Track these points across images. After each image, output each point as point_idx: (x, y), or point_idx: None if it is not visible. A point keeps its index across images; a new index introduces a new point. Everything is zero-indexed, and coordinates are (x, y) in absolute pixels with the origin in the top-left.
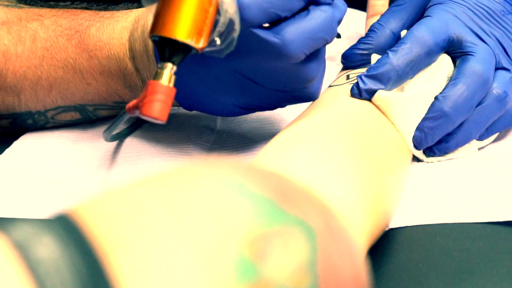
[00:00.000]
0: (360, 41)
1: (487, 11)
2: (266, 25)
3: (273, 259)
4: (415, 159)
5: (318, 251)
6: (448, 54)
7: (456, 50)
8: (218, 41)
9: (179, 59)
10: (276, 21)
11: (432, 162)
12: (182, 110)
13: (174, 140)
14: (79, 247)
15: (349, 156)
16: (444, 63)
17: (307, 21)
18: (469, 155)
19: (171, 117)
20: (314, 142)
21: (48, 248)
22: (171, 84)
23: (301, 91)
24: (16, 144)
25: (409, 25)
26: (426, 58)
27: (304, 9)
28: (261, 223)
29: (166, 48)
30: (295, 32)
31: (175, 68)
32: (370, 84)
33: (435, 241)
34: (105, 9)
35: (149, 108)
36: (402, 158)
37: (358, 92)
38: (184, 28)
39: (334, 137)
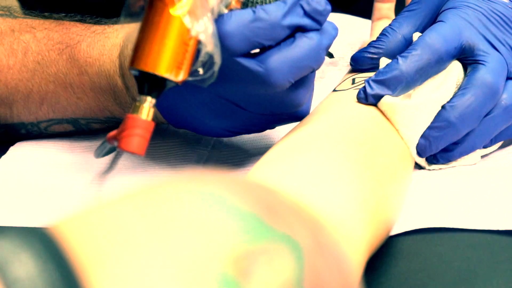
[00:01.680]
0: (371, 44)
1: (501, 18)
2: (256, 50)
3: (257, 277)
4: (417, 166)
5: (305, 268)
6: (460, 60)
7: (468, 58)
8: (201, 71)
9: (158, 92)
10: (262, 49)
11: (434, 169)
12: None
13: (172, 146)
14: (57, 265)
15: (350, 165)
16: (454, 70)
17: (291, 49)
18: (471, 163)
19: (168, 124)
20: (314, 150)
21: (25, 266)
22: (150, 118)
23: (289, 114)
24: (12, 151)
25: (421, 31)
26: (436, 66)
27: (291, 36)
28: (245, 239)
29: (145, 81)
30: (279, 61)
31: (154, 101)
32: (378, 90)
33: (435, 250)
34: (97, 22)
35: (127, 143)
36: (404, 167)
37: (365, 97)
38: (163, 62)
39: (336, 144)
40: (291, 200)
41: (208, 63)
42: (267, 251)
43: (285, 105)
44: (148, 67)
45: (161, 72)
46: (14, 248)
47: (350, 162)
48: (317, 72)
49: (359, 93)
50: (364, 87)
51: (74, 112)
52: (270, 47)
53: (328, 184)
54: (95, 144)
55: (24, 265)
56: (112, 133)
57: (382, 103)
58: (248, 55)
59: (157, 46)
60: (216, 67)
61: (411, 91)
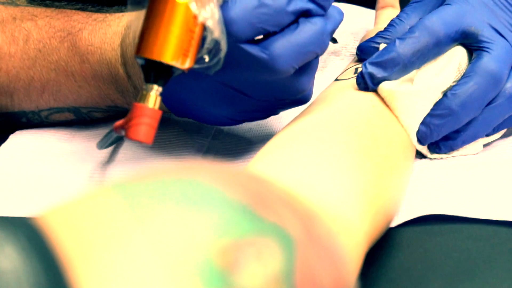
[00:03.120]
0: (378, 34)
1: (510, 3)
2: (260, 36)
3: (245, 269)
4: (418, 155)
5: (296, 260)
6: (465, 46)
7: (472, 44)
8: (206, 58)
9: (164, 80)
10: (265, 35)
11: (435, 158)
12: None
13: (172, 137)
14: (41, 258)
15: (350, 155)
16: (456, 55)
17: (295, 35)
18: (473, 152)
19: (170, 113)
20: (315, 140)
21: (9, 259)
22: (157, 107)
23: (293, 99)
24: (11, 139)
25: None
26: (434, 49)
27: (294, 22)
28: (233, 231)
29: (151, 70)
30: (283, 47)
31: (160, 89)
32: (374, 71)
33: (435, 242)
34: (99, 10)
35: (135, 132)
36: (406, 157)
37: (362, 81)
38: (169, 50)
39: (336, 135)
40: (283, 190)
41: (214, 50)
42: (256, 242)
43: (289, 91)
44: (154, 55)
45: (167, 59)
46: (0, 239)
47: (350, 152)
48: (319, 61)
49: (357, 78)
50: (362, 71)
51: (75, 100)
52: (274, 33)
53: (328, 175)
54: (96, 133)
55: (8, 257)
56: (119, 122)
57: (382, 89)
58: (252, 41)
59: (162, 34)
60: (222, 54)
61: (412, 76)
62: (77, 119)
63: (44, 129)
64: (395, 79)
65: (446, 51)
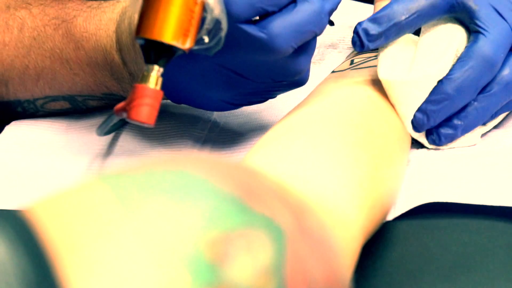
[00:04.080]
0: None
1: None
2: (257, 18)
3: (235, 261)
4: (415, 145)
5: (286, 252)
6: (464, 26)
7: (470, 23)
8: (206, 39)
9: (165, 60)
10: (264, 15)
11: (432, 149)
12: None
13: (169, 129)
14: (28, 250)
15: (346, 148)
16: (454, 42)
17: (294, 14)
18: (472, 143)
19: (166, 105)
20: (310, 133)
21: None
22: (158, 87)
23: (290, 81)
24: (7, 131)
25: None
26: (430, 10)
27: (293, 1)
28: (223, 223)
29: (152, 50)
30: (282, 26)
31: (161, 70)
32: (368, 26)
33: (432, 235)
34: None
35: (137, 113)
36: (401, 148)
37: (358, 38)
38: (169, 30)
39: (332, 127)
40: (275, 182)
41: (214, 31)
42: (246, 234)
43: (287, 72)
44: (155, 35)
45: (168, 39)
46: None
47: (346, 145)
48: (316, 54)
49: (352, 39)
50: (356, 29)
51: (70, 88)
52: (272, 13)
53: (324, 168)
54: (92, 123)
55: None
56: (120, 105)
57: (380, 78)
58: (250, 22)
59: (162, 14)
60: (223, 34)
61: (409, 64)
62: (72, 108)
63: (40, 120)
64: (391, 39)
65: (441, 17)
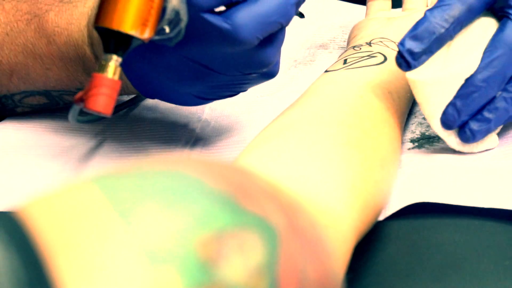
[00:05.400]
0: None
1: None
2: (222, 8)
3: (227, 261)
4: (406, 146)
5: (278, 252)
6: (494, 12)
7: (500, 11)
8: (167, 29)
9: (124, 50)
10: (228, 6)
11: (462, 151)
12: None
13: (159, 129)
14: (21, 251)
15: (339, 148)
16: (484, 36)
17: (259, 4)
18: (493, 145)
19: (156, 106)
20: (303, 133)
21: None
22: (116, 77)
23: (259, 73)
24: None
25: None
26: (468, 15)
27: None
28: (215, 223)
29: (110, 39)
30: (246, 17)
31: (120, 59)
32: (411, 46)
33: (422, 235)
34: None
35: (93, 102)
36: (394, 148)
37: (403, 59)
38: (128, 19)
39: (324, 127)
40: (267, 183)
41: (175, 21)
42: (238, 234)
43: (254, 64)
44: (113, 24)
45: (126, 29)
46: None
47: (339, 145)
48: (307, 55)
49: (396, 59)
50: (399, 50)
51: (44, 83)
52: (237, 3)
53: (316, 169)
54: (79, 126)
55: None
56: (79, 94)
57: (407, 78)
58: (214, 12)
59: (121, 3)
60: (183, 24)
61: (437, 62)
62: (50, 103)
63: (26, 122)
64: (434, 52)
65: (480, 15)
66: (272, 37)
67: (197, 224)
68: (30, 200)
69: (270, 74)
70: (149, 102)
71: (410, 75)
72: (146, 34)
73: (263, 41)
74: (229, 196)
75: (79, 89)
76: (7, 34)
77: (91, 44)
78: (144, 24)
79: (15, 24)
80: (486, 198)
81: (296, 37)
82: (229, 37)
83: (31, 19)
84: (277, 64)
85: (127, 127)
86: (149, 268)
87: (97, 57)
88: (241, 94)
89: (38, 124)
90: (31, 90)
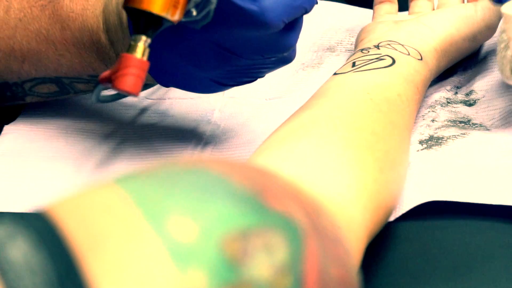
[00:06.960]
0: None
1: None
2: None
3: (253, 260)
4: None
5: (303, 250)
6: None
7: None
8: (194, 12)
9: (153, 32)
10: None
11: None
12: (177, 101)
13: (170, 132)
14: (52, 249)
15: (351, 151)
16: None
17: None
18: None
19: (167, 109)
20: (314, 135)
21: (20, 250)
22: (145, 58)
23: (278, 58)
24: (5, 131)
25: None
26: None
27: None
28: (241, 222)
29: (140, 20)
30: (274, 1)
31: (149, 40)
32: None
33: (433, 236)
34: None
35: (122, 82)
36: (403, 150)
37: None
38: (159, 1)
39: (336, 129)
40: (287, 182)
41: (203, 3)
42: (264, 233)
43: (276, 47)
44: (144, 5)
45: (157, 10)
46: (11, 231)
47: (350, 147)
48: (315, 58)
49: None
50: None
51: (56, 70)
52: None
53: (328, 171)
54: (91, 128)
55: (19, 249)
56: (105, 73)
57: (502, 12)
58: None
59: None
60: (213, 6)
61: None
62: (60, 92)
63: (37, 123)
64: None
65: None
66: (295, 21)
67: (223, 223)
68: (56, 201)
69: (288, 58)
70: (159, 106)
71: (505, 9)
72: (177, 16)
73: (286, 25)
74: (254, 195)
75: (92, 76)
76: (20, 20)
77: (107, 31)
78: (174, 6)
79: (29, 10)
80: (497, 196)
81: (303, 40)
82: (256, 20)
83: (45, 5)
84: (295, 50)
85: (138, 131)
86: (176, 267)
87: (112, 44)
88: (249, 97)
89: (49, 125)
90: (43, 77)
